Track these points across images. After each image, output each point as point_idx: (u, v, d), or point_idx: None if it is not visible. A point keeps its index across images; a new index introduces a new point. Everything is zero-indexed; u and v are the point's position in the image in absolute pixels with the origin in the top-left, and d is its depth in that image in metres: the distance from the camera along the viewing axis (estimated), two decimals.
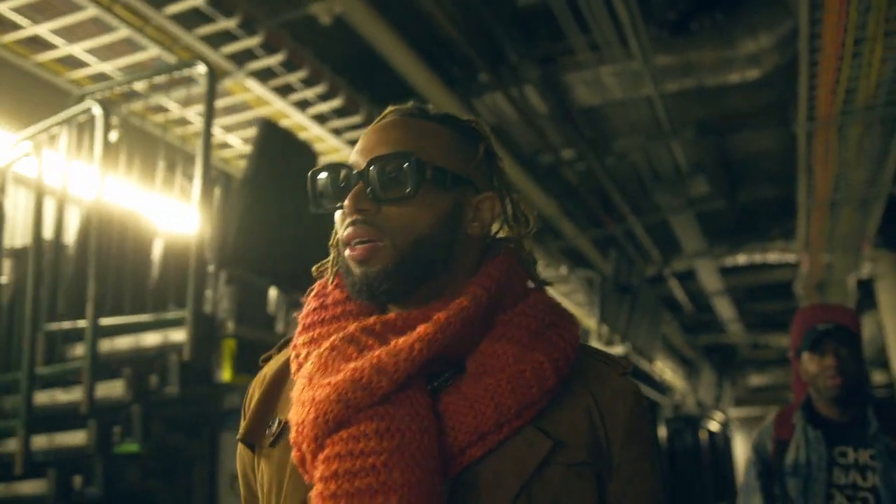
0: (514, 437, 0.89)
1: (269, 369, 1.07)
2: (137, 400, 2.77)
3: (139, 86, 3.78)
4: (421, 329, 0.90)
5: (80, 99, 3.55)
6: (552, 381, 0.91)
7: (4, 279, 3.32)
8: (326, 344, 0.94)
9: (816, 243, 8.49)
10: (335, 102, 4.85)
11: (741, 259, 10.24)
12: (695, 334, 14.26)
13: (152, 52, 4.15)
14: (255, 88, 4.61)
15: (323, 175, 1.00)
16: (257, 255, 3.13)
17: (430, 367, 0.91)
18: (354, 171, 0.97)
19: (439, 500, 0.84)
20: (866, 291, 10.77)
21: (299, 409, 0.89)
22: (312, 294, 1.04)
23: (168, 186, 3.54)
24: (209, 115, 2.96)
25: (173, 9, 3.86)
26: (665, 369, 11.73)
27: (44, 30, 3.94)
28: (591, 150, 6.75)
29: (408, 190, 0.94)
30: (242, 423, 1.04)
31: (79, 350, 3.07)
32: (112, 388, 2.84)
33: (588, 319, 7.93)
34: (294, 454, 0.89)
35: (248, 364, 2.87)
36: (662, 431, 7.41)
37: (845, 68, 4.97)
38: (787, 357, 2.61)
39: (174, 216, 3.62)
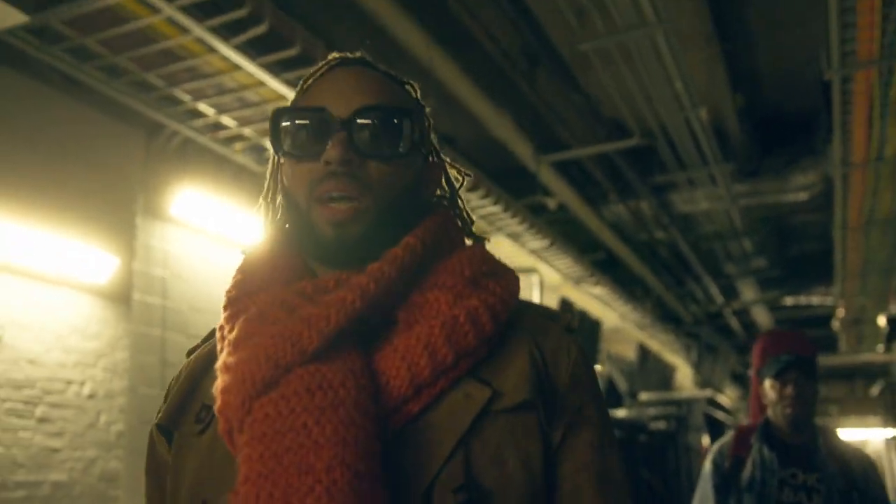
0: (451, 390, 0.82)
1: (194, 358, 0.99)
2: None
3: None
4: (353, 281, 0.84)
5: None
6: (489, 328, 0.85)
7: None
8: (254, 310, 0.86)
9: (850, 294, 10.88)
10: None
11: (788, 301, 12.59)
12: (745, 355, 16.55)
13: None
14: None
15: (288, 117, 0.91)
16: None
17: (361, 322, 0.84)
18: (337, 118, 0.88)
19: (375, 458, 0.75)
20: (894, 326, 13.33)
21: (223, 376, 0.81)
22: (237, 269, 0.96)
23: None
24: None
25: None
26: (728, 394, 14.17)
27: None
28: (679, 233, 9.19)
29: (401, 148, 0.90)
30: (161, 410, 0.97)
31: None
32: None
33: (686, 369, 10.51)
34: (220, 426, 0.81)
35: None
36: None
37: (868, 196, 7.37)
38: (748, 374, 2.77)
39: None
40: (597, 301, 8.85)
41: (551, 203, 6.18)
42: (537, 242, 6.67)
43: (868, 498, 2.42)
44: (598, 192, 8.20)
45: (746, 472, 2.51)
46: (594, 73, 5.53)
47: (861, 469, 2.49)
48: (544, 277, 7.17)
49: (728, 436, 2.78)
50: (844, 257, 9.06)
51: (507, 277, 0.93)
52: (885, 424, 24.31)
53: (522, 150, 6.02)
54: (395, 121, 0.90)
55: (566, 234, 7.93)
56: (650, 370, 9.99)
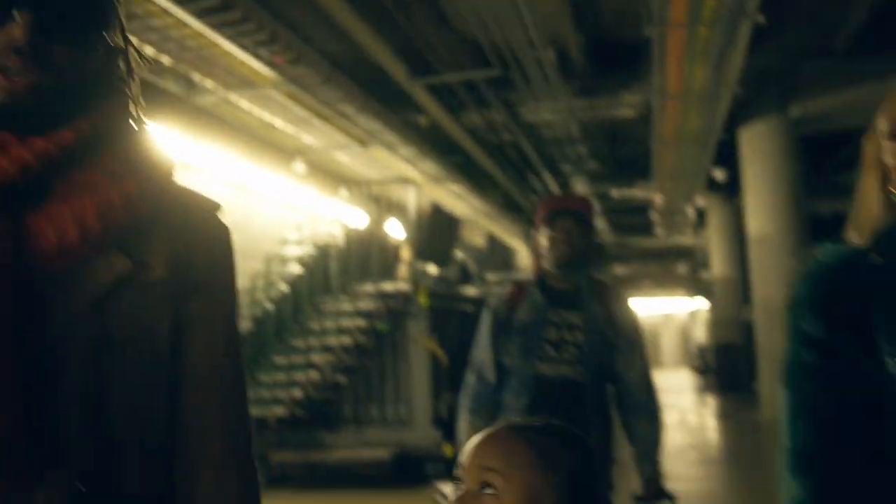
0: (98, 257, 0.88)
1: None
2: None
3: None
4: (14, 150, 0.87)
5: None
6: (141, 209, 0.92)
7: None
8: None
9: (664, 191, 12.74)
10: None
11: (615, 193, 14.40)
12: None
13: None
14: None
15: None
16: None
17: (14, 186, 0.87)
18: None
19: (8, 303, 0.82)
20: (700, 216, 15.61)
21: None
22: None
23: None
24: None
25: None
26: None
27: None
28: (525, 137, 10.49)
29: (87, 31, 0.94)
30: None
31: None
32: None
33: (525, 252, 12.05)
34: None
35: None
36: None
37: (679, 119, 8.89)
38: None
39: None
40: (453, 196, 10.11)
41: (423, 121, 7.22)
42: (407, 151, 7.76)
43: (621, 332, 2.67)
44: (458, 104, 9.28)
45: (519, 315, 2.65)
46: (460, 5, 6.50)
47: (619, 310, 2.71)
48: (416, 183, 8.31)
49: (505, 287, 2.94)
50: (661, 164, 10.73)
51: (167, 163, 0.99)
52: (689, 296, 27.73)
53: (397, 72, 6.98)
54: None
55: (431, 140, 9.02)
56: (496, 254, 11.50)
